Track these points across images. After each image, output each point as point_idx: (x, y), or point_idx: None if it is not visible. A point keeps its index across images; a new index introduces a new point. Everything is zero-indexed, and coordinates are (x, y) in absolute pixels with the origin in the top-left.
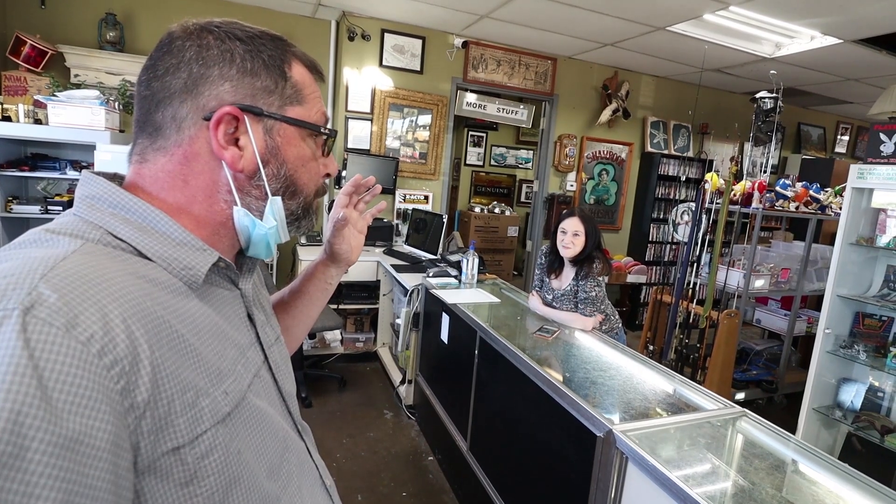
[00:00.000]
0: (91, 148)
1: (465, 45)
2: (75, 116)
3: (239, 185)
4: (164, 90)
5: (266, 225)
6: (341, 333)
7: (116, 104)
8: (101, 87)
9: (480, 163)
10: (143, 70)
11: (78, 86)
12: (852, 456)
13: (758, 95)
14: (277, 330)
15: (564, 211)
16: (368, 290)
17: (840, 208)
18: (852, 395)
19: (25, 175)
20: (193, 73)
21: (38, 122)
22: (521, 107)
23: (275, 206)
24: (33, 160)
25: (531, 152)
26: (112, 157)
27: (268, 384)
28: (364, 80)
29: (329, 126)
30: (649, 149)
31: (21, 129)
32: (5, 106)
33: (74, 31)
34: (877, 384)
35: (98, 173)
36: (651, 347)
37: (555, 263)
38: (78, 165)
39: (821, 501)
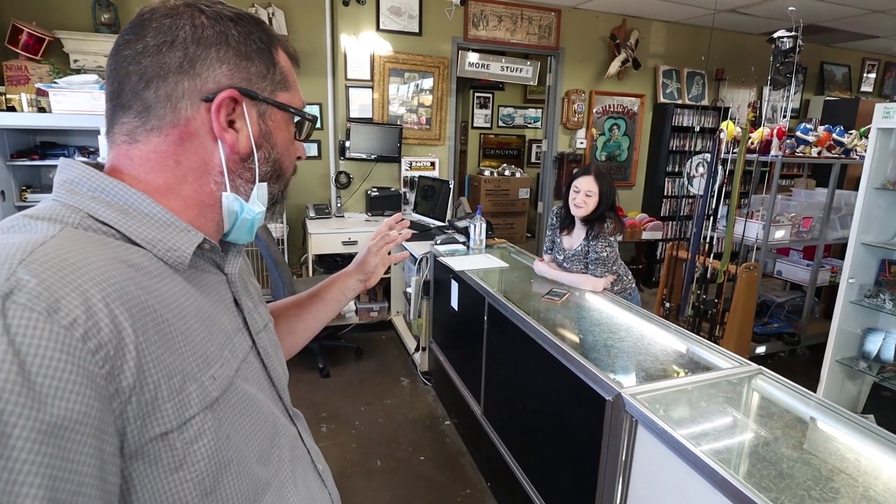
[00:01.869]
0: (95, 133)
1: (463, 1)
2: (77, 102)
3: (231, 167)
4: (157, 67)
5: (255, 209)
6: (356, 303)
7: None
8: (101, 70)
9: (488, 125)
10: (124, 44)
11: (78, 71)
12: (878, 407)
13: (775, 35)
14: (266, 318)
15: (579, 169)
16: None
17: (865, 151)
18: (878, 346)
19: (37, 164)
20: (190, 52)
21: (41, 110)
22: (527, 63)
23: (261, 191)
24: (42, 149)
25: (539, 111)
26: None
27: (256, 370)
28: (362, 46)
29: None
30: (662, 100)
31: (25, 119)
32: (9, 96)
33: (69, 16)
34: None
35: (81, 160)
36: (668, 304)
37: (566, 220)
38: (86, 151)
39: (840, 457)
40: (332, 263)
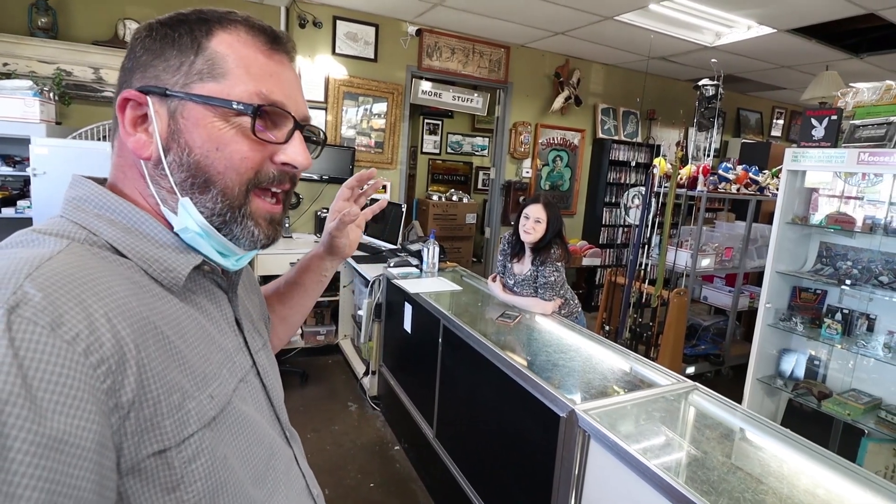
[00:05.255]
0: (25, 142)
1: (418, 32)
2: (7, 108)
3: (152, 176)
4: (115, 91)
5: (191, 227)
6: (301, 327)
7: (51, 94)
8: (34, 76)
9: (437, 151)
10: None
11: (8, 75)
12: (793, 421)
13: (700, 83)
14: (265, 336)
15: (525, 197)
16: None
17: (777, 189)
18: (792, 365)
19: None
20: (125, 69)
21: None
22: (476, 94)
23: (187, 209)
24: None
25: (487, 139)
26: (49, 151)
27: (256, 389)
28: (317, 68)
29: (278, 105)
30: (600, 135)
31: None
32: None
33: (1, 18)
34: (813, 353)
35: (88, 177)
36: (607, 328)
37: (517, 247)
38: (11, 160)
39: (766, 465)
40: None
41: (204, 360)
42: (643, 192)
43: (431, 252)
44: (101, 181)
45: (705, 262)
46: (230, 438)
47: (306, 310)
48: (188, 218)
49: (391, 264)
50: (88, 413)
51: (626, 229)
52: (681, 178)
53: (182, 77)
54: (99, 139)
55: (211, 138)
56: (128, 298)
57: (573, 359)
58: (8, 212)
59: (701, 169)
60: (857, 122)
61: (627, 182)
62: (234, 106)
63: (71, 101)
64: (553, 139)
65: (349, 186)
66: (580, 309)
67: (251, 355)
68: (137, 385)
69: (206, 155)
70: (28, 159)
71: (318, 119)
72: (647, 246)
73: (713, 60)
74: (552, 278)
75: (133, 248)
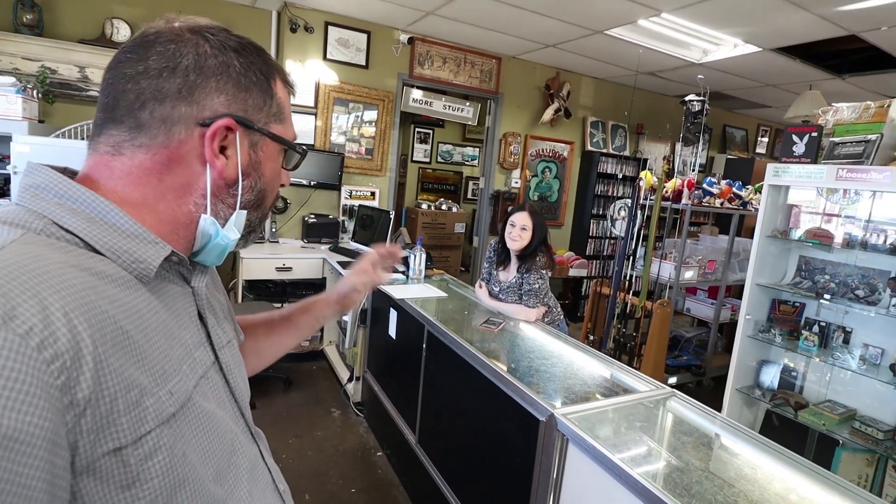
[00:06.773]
0: (7, 139)
1: (410, 41)
2: None
3: (215, 192)
4: (155, 90)
5: (230, 236)
6: None
7: (35, 92)
8: (18, 73)
9: (427, 159)
10: (125, 61)
11: None
12: (770, 431)
13: (687, 98)
14: (231, 334)
15: (512, 206)
16: (314, 288)
17: (759, 204)
18: (770, 376)
19: None
20: (190, 80)
21: None
22: (467, 104)
23: (239, 218)
24: None
25: (477, 149)
26: (30, 148)
27: (217, 386)
28: (307, 73)
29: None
30: (589, 147)
31: None
32: None
33: None
34: (791, 364)
35: (48, 166)
36: (591, 337)
37: (502, 255)
38: None
39: (740, 471)
40: (264, 290)
41: (163, 355)
42: (629, 205)
43: (418, 259)
44: (61, 170)
45: (689, 275)
46: (190, 435)
47: (284, 349)
48: (234, 228)
49: None
50: (41, 410)
51: (612, 241)
52: (666, 192)
53: (264, 116)
54: (83, 138)
55: (273, 170)
56: (86, 291)
57: (555, 365)
58: None
59: (686, 183)
60: (836, 139)
61: (615, 194)
62: (299, 150)
63: (55, 100)
64: (542, 150)
65: (381, 255)
66: (563, 317)
67: (214, 351)
68: (94, 382)
69: (269, 182)
70: (9, 157)
71: (307, 124)
72: (632, 257)
73: (700, 77)
74: (536, 286)
75: (98, 238)
